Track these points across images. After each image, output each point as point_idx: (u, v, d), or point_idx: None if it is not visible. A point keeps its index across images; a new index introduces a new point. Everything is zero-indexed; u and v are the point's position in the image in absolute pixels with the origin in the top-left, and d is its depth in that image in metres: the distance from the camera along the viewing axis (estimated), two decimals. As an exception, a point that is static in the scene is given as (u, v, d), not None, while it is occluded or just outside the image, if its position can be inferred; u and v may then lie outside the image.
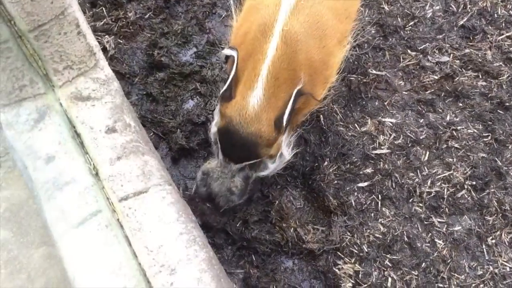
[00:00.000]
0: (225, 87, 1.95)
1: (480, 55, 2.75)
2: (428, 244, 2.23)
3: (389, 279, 2.15)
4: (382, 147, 2.46)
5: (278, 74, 1.90)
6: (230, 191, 2.06)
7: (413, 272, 2.16)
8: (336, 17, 2.10)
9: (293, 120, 2.13)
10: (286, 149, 2.08)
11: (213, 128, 2.07)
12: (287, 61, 1.90)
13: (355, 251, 2.21)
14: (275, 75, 1.90)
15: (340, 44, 2.15)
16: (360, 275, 2.15)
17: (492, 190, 2.36)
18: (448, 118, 2.56)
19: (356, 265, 2.17)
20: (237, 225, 2.25)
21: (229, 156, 1.99)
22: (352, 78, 2.69)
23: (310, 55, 1.97)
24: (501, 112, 2.58)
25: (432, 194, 2.34)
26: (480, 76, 2.70)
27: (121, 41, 2.82)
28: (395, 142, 2.48)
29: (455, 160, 2.44)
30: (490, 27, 2.86)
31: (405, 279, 2.15)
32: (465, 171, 2.40)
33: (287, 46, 1.91)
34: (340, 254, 2.20)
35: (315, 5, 2.02)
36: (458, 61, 2.74)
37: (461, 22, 2.88)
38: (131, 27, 2.87)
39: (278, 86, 1.90)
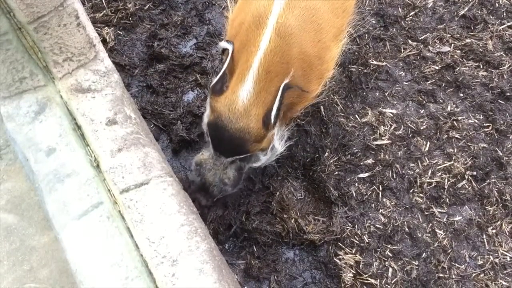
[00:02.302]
0: (216, 80, 1.91)
1: (481, 45, 2.74)
2: (429, 234, 2.23)
3: (390, 269, 2.15)
4: (383, 138, 2.46)
5: (270, 67, 1.86)
6: (223, 182, 2.04)
7: (413, 262, 2.17)
8: (332, 11, 2.07)
9: (286, 115, 2.11)
10: (278, 142, 2.05)
11: (205, 119, 2.04)
12: (280, 54, 1.87)
13: (356, 241, 2.21)
14: (267, 68, 1.86)
15: (336, 39, 2.12)
16: (361, 265, 2.16)
17: (493, 180, 2.36)
18: (448, 108, 2.56)
19: (357, 255, 2.18)
20: (238, 215, 2.26)
21: (219, 150, 1.98)
22: (352, 68, 2.68)
23: (304, 49, 1.94)
24: (501, 102, 2.58)
25: (433, 185, 2.34)
26: (481, 66, 2.69)
27: (121, 33, 2.81)
28: (396, 132, 2.48)
29: (455, 150, 2.44)
30: (491, 17, 2.85)
31: (405, 269, 2.15)
32: (465, 162, 2.40)
33: (280, 39, 1.87)
34: (341, 244, 2.21)
35: None
36: (459, 51, 2.73)
37: (462, 12, 2.86)
38: (130, 18, 2.86)
39: (269, 80, 1.87)
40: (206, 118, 2.03)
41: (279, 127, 2.03)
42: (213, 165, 2.02)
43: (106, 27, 2.79)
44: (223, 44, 1.96)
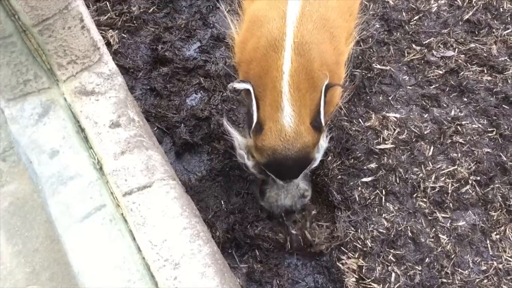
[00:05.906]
0: (254, 122, 1.91)
1: (485, 50, 2.74)
2: (432, 239, 2.22)
3: (393, 274, 2.14)
4: (386, 142, 2.46)
5: (299, 86, 1.88)
6: (303, 196, 2.14)
7: (416, 267, 2.16)
8: (341, 17, 2.08)
9: None
10: (322, 139, 2.06)
11: (250, 163, 2.06)
12: (305, 72, 1.88)
13: (359, 246, 2.21)
14: (297, 88, 1.88)
15: (347, 43, 2.15)
16: (363, 270, 2.15)
17: (497, 185, 2.35)
18: (452, 113, 2.55)
19: (360, 260, 2.17)
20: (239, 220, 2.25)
21: (288, 178, 2.02)
22: (356, 72, 2.68)
23: (324, 60, 1.95)
24: (506, 107, 2.57)
25: (436, 189, 2.34)
26: (485, 71, 2.68)
27: (125, 36, 2.82)
28: (399, 137, 2.48)
29: (459, 155, 2.43)
30: (495, 22, 2.84)
31: (408, 274, 2.14)
32: (469, 166, 2.39)
33: (301, 57, 1.88)
34: (343, 249, 2.20)
35: (320, 8, 1.99)
36: (463, 55, 2.73)
37: (466, 17, 2.86)
38: (135, 21, 2.87)
39: (303, 97, 1.89)
40: (250, 162, 2.06)
41: None
42: (287, 191, 2.09)
43: (110, 30, 2.80)
44: (239, 85, 1.92)
